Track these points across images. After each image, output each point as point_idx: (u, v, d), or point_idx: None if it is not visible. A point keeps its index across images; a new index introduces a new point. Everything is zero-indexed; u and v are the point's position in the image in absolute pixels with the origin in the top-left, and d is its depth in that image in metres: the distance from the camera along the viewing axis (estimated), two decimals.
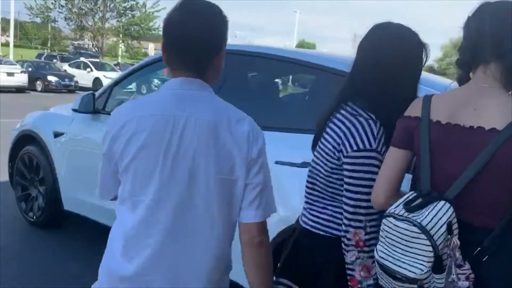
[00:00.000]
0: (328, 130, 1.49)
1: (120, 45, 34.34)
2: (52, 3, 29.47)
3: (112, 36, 32.27)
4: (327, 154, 1.48)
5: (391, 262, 1.21)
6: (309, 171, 1.58)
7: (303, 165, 2.19)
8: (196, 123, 1.21)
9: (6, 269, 3.10)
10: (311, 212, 1.57)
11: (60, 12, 29.94)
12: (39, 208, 3.87)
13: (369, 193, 1.38)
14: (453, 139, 1.23)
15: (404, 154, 1.32)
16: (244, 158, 1.24)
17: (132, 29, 30.80)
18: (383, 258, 1.24)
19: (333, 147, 1.45)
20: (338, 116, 1.47)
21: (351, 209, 1.41)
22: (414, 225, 1.16)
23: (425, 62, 1.48)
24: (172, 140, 1.20)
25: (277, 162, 2.29)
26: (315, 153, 1.56)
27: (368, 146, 1.39)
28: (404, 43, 1.44)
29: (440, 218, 1.16)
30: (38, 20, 33.65)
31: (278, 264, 1.68)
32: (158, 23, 29.33)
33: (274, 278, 1.68)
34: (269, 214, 1.30)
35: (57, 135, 3.59)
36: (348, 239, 1.41)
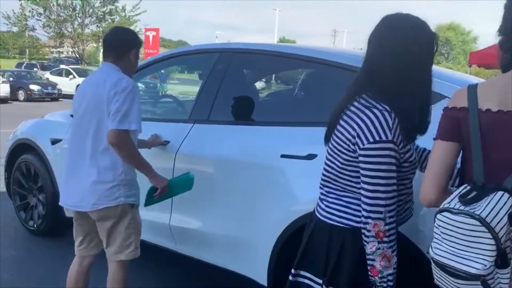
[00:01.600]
0: (342, 123, 1.50)
1: (100, 50, 33.94)
2: (29, 11, 29.05)
3: (93, 42, 31.90)
4: (341, 146, 1.50)
5: (449, 259, 1.17)
6: (324, 163, 1.62)
7: (309, 157, 2.24)
8: (92, 84, 2.33)
9: (9, 278, 3.09)
10: (325, 203, 1.61)
11: (38, 20, 29.54)
12: (39, 216, 3.86)
13: (387, 184, 1.41)
14: (506, 127, 1.18)
15: (452, 146, 1.28)
16: (106, 96, 2.17)
17: None
18: (439, 255, 1.19)
19: (348, 139, 1.47)
20: (352, 108, 1.48)
21: (370, 201, 1.43)
22: (473, 218, 1.11)
23: (435, 51, 1.49)
24: (85, 95, 2.32)
25: (282, 156, 2.34)
26: (329, 145, 1.58)
27: (384, 138, 1.40)
28: (416, 33, 1.45)
29: (500, 209, 1.11)
30: (15, 29, 33.09)
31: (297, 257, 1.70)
32: (139, 27, 29.12)
33: (293, 271, 1.70)
34: (122, 127, 2.15)
35: (54, 142, 3.57)
36: (368, 231, 1.44)
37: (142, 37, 27.75)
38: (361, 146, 1.44)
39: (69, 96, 19.76)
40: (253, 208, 2.47)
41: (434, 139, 1.33)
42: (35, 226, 3.89)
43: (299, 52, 2.65)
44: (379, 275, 1.44)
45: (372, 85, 1.48)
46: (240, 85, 3.02)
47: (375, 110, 1.44)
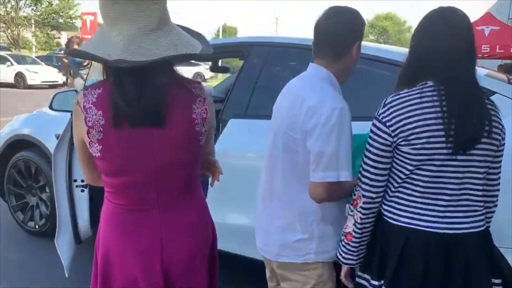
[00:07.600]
0: None
1: (37, 35, 31.68)
2: None
3: (28, 26, 29.85)
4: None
5: None
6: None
7: None
8: (289, 97, 1.65)
9: (13, 281, 2.94)
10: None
11: None
12: (42, 216, 3.65)
13: (366, 160, 1.43)
14: None
15: None
16: (301, 125, 1.54)
17: (51, 18, 28.73)
18: None
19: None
20: None
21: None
22: None
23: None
24: (280, 109, 1.68)
25: None
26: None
27: (376, 115, 1.46)
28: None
29: None
30: None
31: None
32: (80, 11, 27.64)
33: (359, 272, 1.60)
34: (330, 179, 1.47)
35: None
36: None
37: (79, 22, 26.27)
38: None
39: (7, 85, 18.42)
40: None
41: None
42: (37, 227, 3.68)
43: None
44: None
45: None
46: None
47: None
